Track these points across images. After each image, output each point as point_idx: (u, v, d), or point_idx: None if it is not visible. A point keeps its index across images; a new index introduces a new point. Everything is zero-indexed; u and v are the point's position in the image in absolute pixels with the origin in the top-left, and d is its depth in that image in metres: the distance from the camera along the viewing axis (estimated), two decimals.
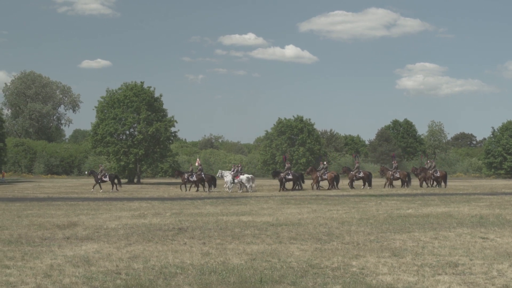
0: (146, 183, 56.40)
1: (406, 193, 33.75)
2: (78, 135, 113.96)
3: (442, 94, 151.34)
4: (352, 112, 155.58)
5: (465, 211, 20.90)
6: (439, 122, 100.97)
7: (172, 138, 60.57)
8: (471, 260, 11.10)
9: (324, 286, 9.10)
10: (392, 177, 41.44)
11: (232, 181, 37.48)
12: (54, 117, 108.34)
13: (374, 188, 39.94)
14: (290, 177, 39.09)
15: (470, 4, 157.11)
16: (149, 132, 55.71)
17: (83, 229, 15.94)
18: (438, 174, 42.18)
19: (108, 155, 57.48)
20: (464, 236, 14.35)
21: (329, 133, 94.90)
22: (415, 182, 44.66)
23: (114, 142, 55.96)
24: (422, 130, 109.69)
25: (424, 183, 42.12)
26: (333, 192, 35.44)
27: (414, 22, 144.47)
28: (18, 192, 36.92)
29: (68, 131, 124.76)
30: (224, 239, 13.88)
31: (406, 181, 41.47)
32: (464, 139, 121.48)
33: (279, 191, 37.77)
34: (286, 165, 40.34)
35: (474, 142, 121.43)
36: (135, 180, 58.22)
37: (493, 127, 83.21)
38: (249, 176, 38.08)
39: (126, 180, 58.10)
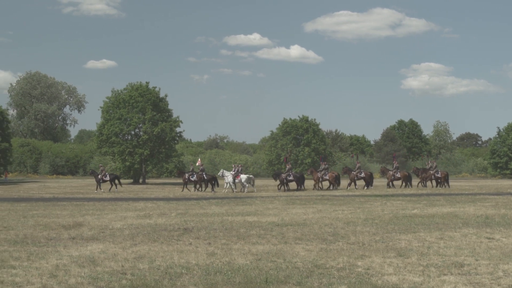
0: (152, 184, 56.45)
1: (411, 193, 33.70)
2: (83, 135, 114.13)
3: (448, 94, 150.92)
4: (357, 112, 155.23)
5: (471, 211, 20.86)
6: (445, 122, 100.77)
7: (177, 138, 60.60)
8: (476, 260, 11.08)
9: (330, 287, 9.09)
10: (392, 177, 41.50)
11: (233, 181, 37.60)
12: (60, 117, 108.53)
13: (375, 188, 39.78)
14: (291, 178, 39.20)
15: (476, 4, 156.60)
16: (154, 132, 55.74)
17: (88, 229, 15.98)
18: (439, 174, 42.25)
19: (114, 155, 57.52)
20: (469, 236, 14.32)
21: (334, 133, 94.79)
22: (415, 182, 44.60)
23: (119, 143, 56.01)
24: (427, 130, 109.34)
25: (422, 183, 42.37)
26: (338, 192, 35.42)
27: (420, 22, 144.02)
28: (23, 192, 37.02)
29: (73, 132, 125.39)
30: (229, 239, 13.88)
31: (406, 181, 41.48)
32: (469, 139, 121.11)
33: (278, 189, 38.12)
34: (287, 166, 40.40)
35: (480, 142, 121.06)
36: (140, 180, 58.27)
37: (498, 127, 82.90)
38: (250, 176, 38.25)
39: (132, 180, 58.22)
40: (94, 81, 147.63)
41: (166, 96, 59.40)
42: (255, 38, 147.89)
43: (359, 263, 10.83)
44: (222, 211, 21.84)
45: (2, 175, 61.77)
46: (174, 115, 59.43)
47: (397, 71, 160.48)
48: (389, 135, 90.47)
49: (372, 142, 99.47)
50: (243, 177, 37.38)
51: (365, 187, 40.45)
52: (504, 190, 38.01)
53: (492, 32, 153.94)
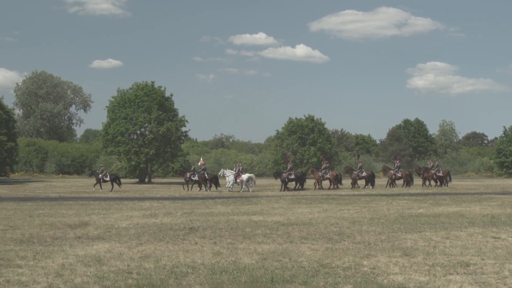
0: (157, 183, 56.52)
1: (417, 193, 33.63)
2: (89, 134, 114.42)
3: (453, 94, 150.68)
4: (363, 112, 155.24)
5: (477, 211, 20.81)
6: (450, 121, 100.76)
7: (183, 138, 60.69)
8: (482, 259, 11.05)
9: (335, 286, 9.09)
10: (394, 176, 41.48)
11: (234, 181, 37.64)
12: (65, 117, 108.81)
13: (376, 188, 39.60)
14: (292, 177, 39.14)
15: (481, 3, 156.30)
16: (160, 132, 55.80)
17: (94, 228, 16.01)
18: (441, 173, 42.34)
19: (119, 154, 57.60)
20: (475, 235, 14.29)
21: (340, 133, 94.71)
22: (417, 182, 44.55)
23: (125, 142, 56.10)
24: (433, 129, 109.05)
25: (424, 183, 42.48)
26: (343, 192, 35.38)
27: (425, 21, 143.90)
28: (29, 192, 37.11)
29: (79, 131, 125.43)
30: (235, 239, 13.89)
31: (408, 181, 41.44)
32: (475, 139, 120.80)
33: (280, 191, 37.72)
34: (289, 165, 40.37)
35: (486, 142, 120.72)
36: (146, 179, 58.35)
37: (504, 126, 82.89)
38: (250, 175, 38.24)
39: (137, 179, 58.32)
40: (100, 80, 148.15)
41: (171, 95, 59.53)
42: (260, 37, 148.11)
43: (365, 263, 10.82)
44: (227, 210, 21.85)
45: (6, 176, 61.84)
46: (180, 115, 59.54)
47: (403, 70, 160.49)
48: (394, 135, 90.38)
49: (377, 142, 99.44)
50: (244, 176, 37.39)
51: (365, 187, 40.42)
52: (510, 190, 37.90)
53: (498, 31, 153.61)
